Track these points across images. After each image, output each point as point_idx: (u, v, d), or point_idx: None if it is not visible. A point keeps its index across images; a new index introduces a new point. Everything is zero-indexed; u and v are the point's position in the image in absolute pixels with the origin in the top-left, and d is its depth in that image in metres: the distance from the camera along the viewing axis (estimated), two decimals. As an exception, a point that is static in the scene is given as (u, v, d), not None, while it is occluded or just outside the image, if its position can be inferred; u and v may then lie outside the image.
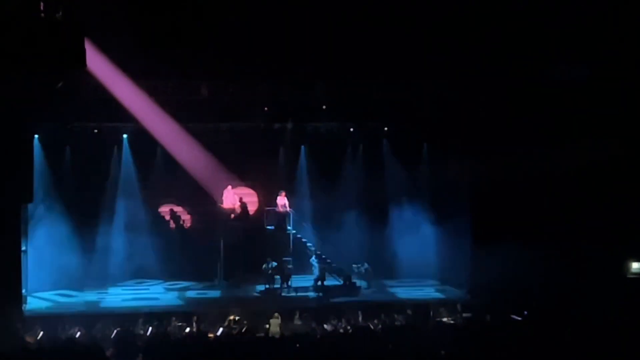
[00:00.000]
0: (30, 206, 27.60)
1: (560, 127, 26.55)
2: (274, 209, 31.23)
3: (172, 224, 32.91)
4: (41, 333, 22.97)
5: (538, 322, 20.98)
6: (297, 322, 25.17)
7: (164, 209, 33.03)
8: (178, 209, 32.95)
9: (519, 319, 22.62)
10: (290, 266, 30.41)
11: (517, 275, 25.65)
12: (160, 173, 32.32)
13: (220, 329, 23.65)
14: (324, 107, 31.16)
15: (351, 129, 33.05)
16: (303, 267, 31.15)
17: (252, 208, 32.52)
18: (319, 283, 29.67)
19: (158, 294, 30.22)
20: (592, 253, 25.76)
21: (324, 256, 30.89)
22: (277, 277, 30.00)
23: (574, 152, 25.92)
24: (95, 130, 31.39)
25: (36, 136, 29.31)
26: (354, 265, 31.07)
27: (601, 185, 26.28)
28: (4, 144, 23.46)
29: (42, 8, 19.42)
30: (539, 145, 26.58)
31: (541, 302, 23.94)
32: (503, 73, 27.12)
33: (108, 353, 18.88)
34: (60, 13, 19.54)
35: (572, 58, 26.28)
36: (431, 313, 25.70)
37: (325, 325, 24.26)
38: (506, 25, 26.49)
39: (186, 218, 32.76)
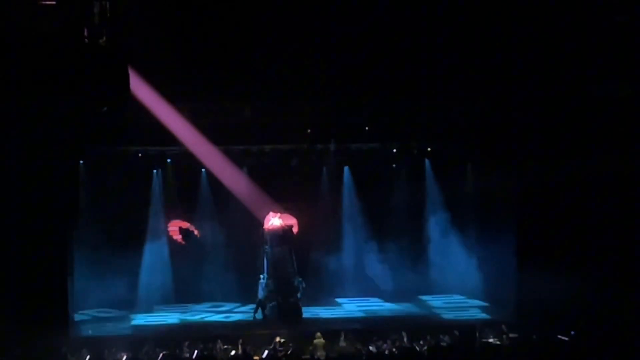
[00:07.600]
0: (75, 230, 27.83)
1: (610, 144, 26.19)
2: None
3: (217, 246, 32.88)
4: (87, 357, 23.10)
5: (585, 343, 20.75)
6: (342, 343, 25.05)
7: (208, 232, 33.05)
8: (222, 232, 32.91)
9: (566, 339, 22.38)
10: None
11: (564, 295, 25.36)
12: (204, 195, 32.47)
13: (266, 352, 23.63)
14: (367, 128, 31.17)
15: (394, 150, 33.02)
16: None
17: (294, 230, 32.42)
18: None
19: (203, 316, 30.30)
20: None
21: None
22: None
23: (625, 170, 25.61)
24: (140, 154, 31.59)
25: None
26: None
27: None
28: (50, 169, 23.76)
29: (86, 34, 19.64)
30: (588, 162, 26.29)
31: (588, 322, 23.65)
32: (548, 90, 26.96)
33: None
34: (104, 38, 19.76)
35: (616, 75, 26.07)
36: (477, 334, 25.48)
37: (370, 347, 24.15)
38: (547, 43, 26.35)
39: (230, 240, 32.71)
